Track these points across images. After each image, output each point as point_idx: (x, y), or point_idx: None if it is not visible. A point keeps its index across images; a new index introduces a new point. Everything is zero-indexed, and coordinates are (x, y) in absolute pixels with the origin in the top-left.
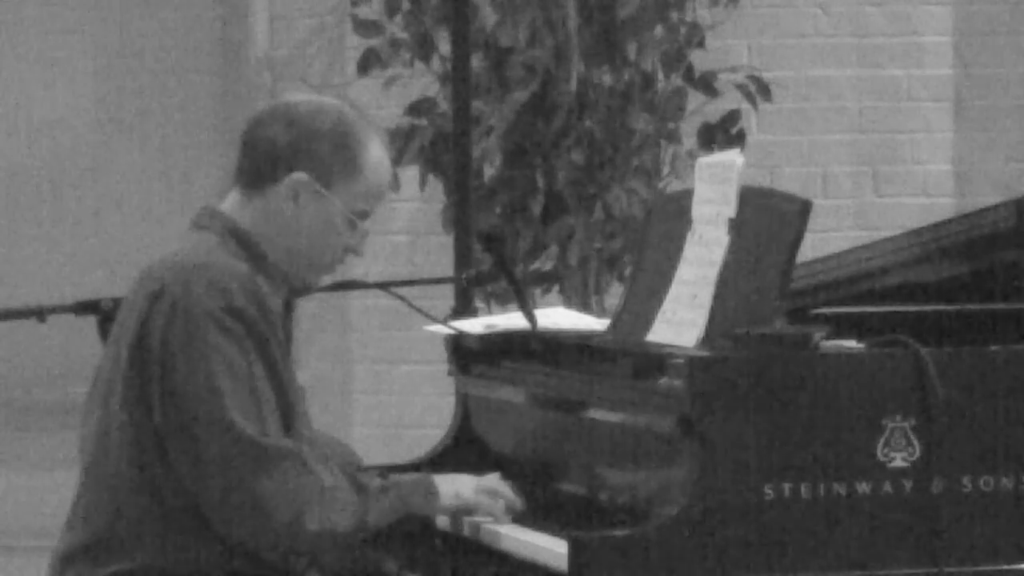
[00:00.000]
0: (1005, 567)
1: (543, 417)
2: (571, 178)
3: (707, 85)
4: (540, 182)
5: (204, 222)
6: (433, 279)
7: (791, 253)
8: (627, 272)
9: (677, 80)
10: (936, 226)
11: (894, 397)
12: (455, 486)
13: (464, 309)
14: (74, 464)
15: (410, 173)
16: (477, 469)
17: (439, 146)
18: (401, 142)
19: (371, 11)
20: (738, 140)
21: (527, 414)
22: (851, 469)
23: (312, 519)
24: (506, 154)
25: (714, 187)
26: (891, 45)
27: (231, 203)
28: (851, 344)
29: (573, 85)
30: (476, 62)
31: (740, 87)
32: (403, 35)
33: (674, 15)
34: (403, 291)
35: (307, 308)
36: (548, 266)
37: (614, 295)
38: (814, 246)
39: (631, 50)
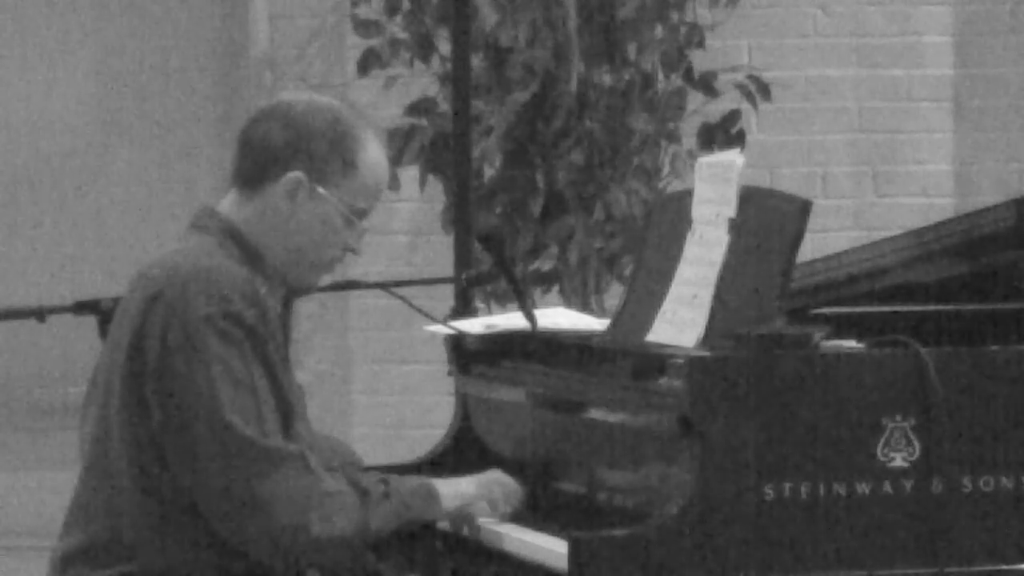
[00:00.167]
0: (1005, 567)
1: (543, 417)
2: (571, 178)
3: (707, 85)
4: (540, 182)
5: (202, 223)
6: (433, 279)
7: (791, 253)
8: (627, 272)
9: (677, 80)
10: (936, 226)
11: (894, 397)
12: (456, 487)
13: (464, 309)
14: (74, 464)
15: (410, 173)
16: (477, 469)
17: (439, 146)
18: (401, 142)
19: (371, 11)
20: (738, 140)
21: (527, 414)
22: (851, 469)
23: (315, 522)
24: (506, 154)
25: (714, 187)
26: (891, 45)
27: (229, 204)
28: (851, 344)
29: (573, 85)
30: (476, 62)
31: (740, 87)
32: (403, 35)
33: (674, 15)
34: (403, 291)
35: (307, 308)
36: (548, 266)
37: (614, 295)
38: (814, 246)
39: (631, 50)
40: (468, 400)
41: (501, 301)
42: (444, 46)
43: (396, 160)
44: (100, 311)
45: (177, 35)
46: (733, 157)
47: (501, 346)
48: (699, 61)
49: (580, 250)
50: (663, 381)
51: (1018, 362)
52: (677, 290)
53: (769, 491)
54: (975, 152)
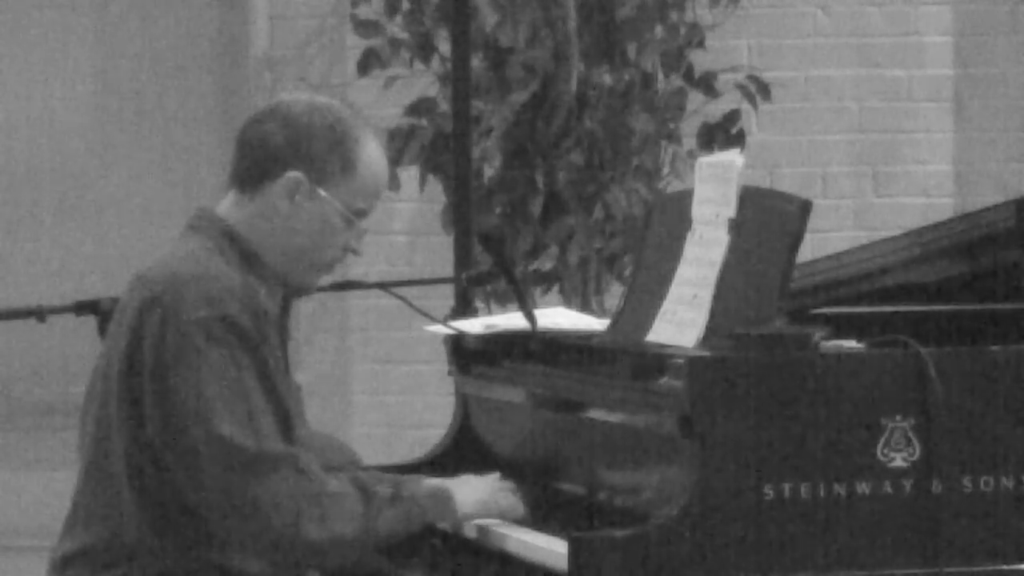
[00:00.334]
0: (1005, 567)
1: (543, 417)
2: (571, 178)
3: (707, 85)
4: (540, 182)
5: (199, 224)
6: (433, 279)
7: (791, 253)
8: (627, 272)
9: (677, 80)
10: (936, 226)
11: (894, 397)
12: (472, 492)
13: (464, 309)
14: (74, 464)
15: (410, 173)
16: (477, 469)
17: (439, 146)
18: (401, 142)
19: (371, 11)
20: (738, 140)
21: (527, 414)
22: (851, 469)
23: (311, 524)
24: (506, 154)
25: (714, 187)
26: (891, 45)
27: (227, 205)
28: (851, 344)
29: (573, 85)
30: (476, 62)
31: (740, 87)
32: (403, 35)
33: (674, 15)
34: (403, 291)
35: (307, 308)
36: (548, 266)
37: (614, 295)
38: (814, 246)
39: (631, 50)
40: (468, 400)
41: (501, 301)
42: (444, 46)
43: (396, 160)
44: (100, 311)
45: (177, 35)
46: (733, 157)
47: (501, 346)
48: (699, 61)
49: (580, 250)
50: (663, 381)
51: (1018, 362)
52: (677, 290)
53: (769, 491)
54: (975, 152)
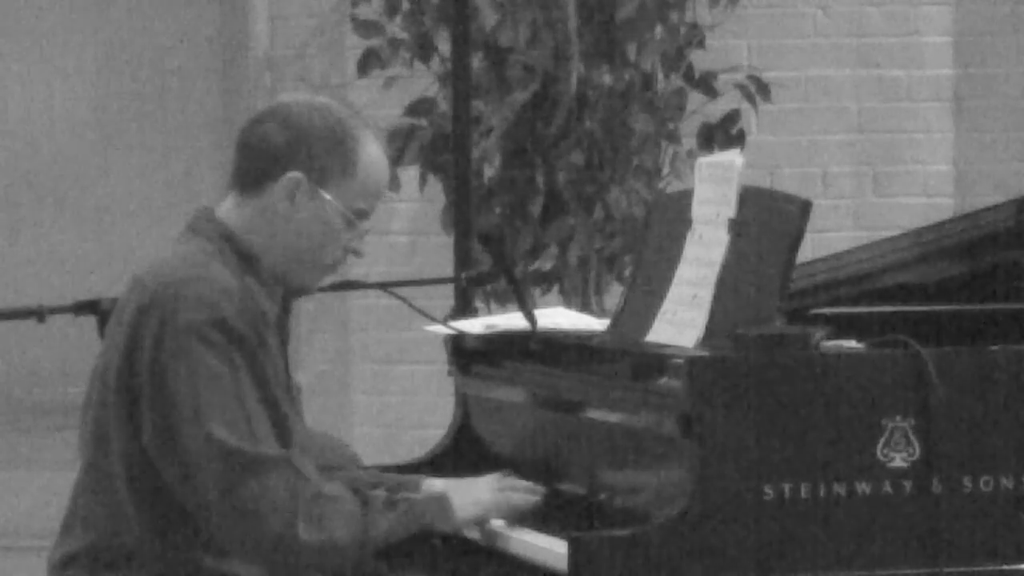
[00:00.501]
0: (1005, 567)
1: (543, 417)
2: (571, 178)
3: (707, 85)
4: (540, 182)
5: (198, 226)
6: (433, 279)
7: (791, 253)
8: (627, 272)
9: (677, 80)
10: (936, 226)
11: (894, 397)
12: (471, 494)
13: (464, 309)
14: (74, 464)
15: (410, 173)
16: (477, 469)
17: (439, 146)
18: (401, 142)
19: (371, 11)
20: (738, 140)
21: (527, 414)
22: (851, 469)
23: (307, 526)
24: (506, 154)
25: (714, 187)
26: (891, 45)
27: (227, 206)
28: (851, 344)
29: (573, 85)
30: (476, 62)
31: (740, 87)
32: (403, 35)
33: (674, 15)
34: (403, 291)
35: (307, 308)
36: (548, 266)
37: (614, 295)
38: (814, 246)
39: (631, 50)
40: (468, 400)
41: (501, 301)
42: (444, 46)
43: (396, 160)
44: (100, 311)
45: (177, 35)
46: (733, 157)
47: (501, 346)
48: (699, 61)
49: (580, 250)
50: (663, 381)
51: (1018, 362)
52: (677, 290)
53: (769, 491)
54: (975, 152)
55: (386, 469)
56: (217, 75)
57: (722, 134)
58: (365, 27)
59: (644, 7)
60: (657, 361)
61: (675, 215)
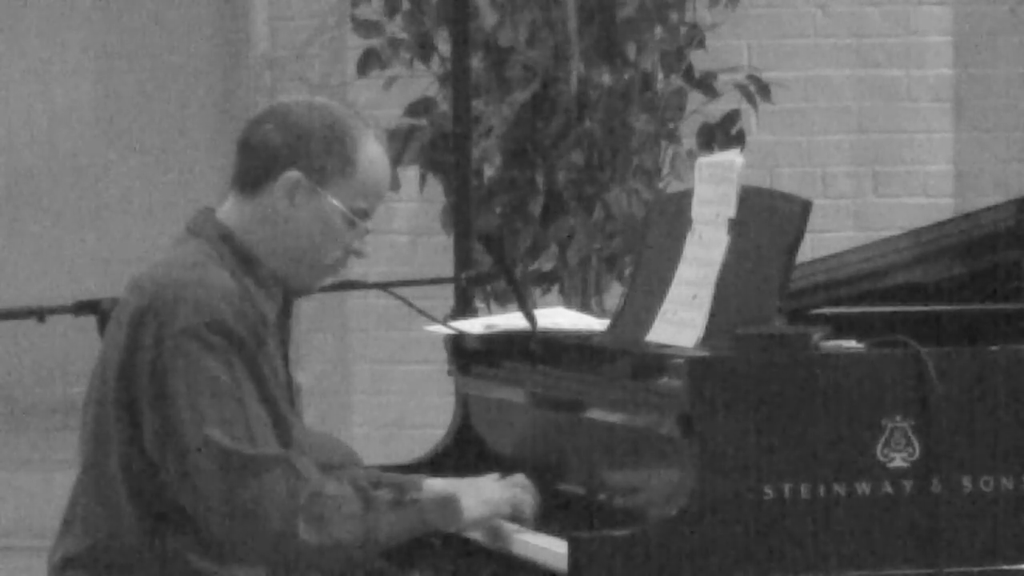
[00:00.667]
0: (1005, 567)
1: (543, 417)
2: (571, 178)
3: (707, 85)
4: (540, 182)
5: (198, 228)
6: (433, 279)
7: (791, 253)
8: (627, 272)
9: (677, 80)
10: (936, 226)
11: (894, 397)
12: (480, 495)
13: (464, 309)
14: (74, 464)
15: (410, 173)
16: (477, 469)
17: (439, 146)
18: (401, 142)
19: (371, 11)
20: (738, 140)
21: (527, 414)
22: (851, 469)
23: (307, 526)
24: (506, 154)
25: (714, 187)
26: (891, 45)
27: (228, 208)
28: (851, 344)
29: (573, 85)
30: (476, 62)
31: (740, 87)
32: (403, 35)
33: (674, 15)
34: (403, 291)
35: (307, 308)
36: (548, 266)
37: (614, 295)
38: (814, 246)
39: (631, 50)
40: (468, 400)
41: (501, 301)
42: (444, 46)
43: (396, 160)
44: (100, 311)
45: (177, 35)
46: (733, 157)
47: (501, 346)
48: (699, 61)
49: (580, 250)
50: (663, 381)
51: (1018, 362)
52: (677, 290)
53: (769, 491)
54: (975, 152)
55: (386, 469)
56: (217, 75)
57: (722, 134)
58: (365, 27)
59: (644, 7)
60: (657, 361)
61: (675, 215)
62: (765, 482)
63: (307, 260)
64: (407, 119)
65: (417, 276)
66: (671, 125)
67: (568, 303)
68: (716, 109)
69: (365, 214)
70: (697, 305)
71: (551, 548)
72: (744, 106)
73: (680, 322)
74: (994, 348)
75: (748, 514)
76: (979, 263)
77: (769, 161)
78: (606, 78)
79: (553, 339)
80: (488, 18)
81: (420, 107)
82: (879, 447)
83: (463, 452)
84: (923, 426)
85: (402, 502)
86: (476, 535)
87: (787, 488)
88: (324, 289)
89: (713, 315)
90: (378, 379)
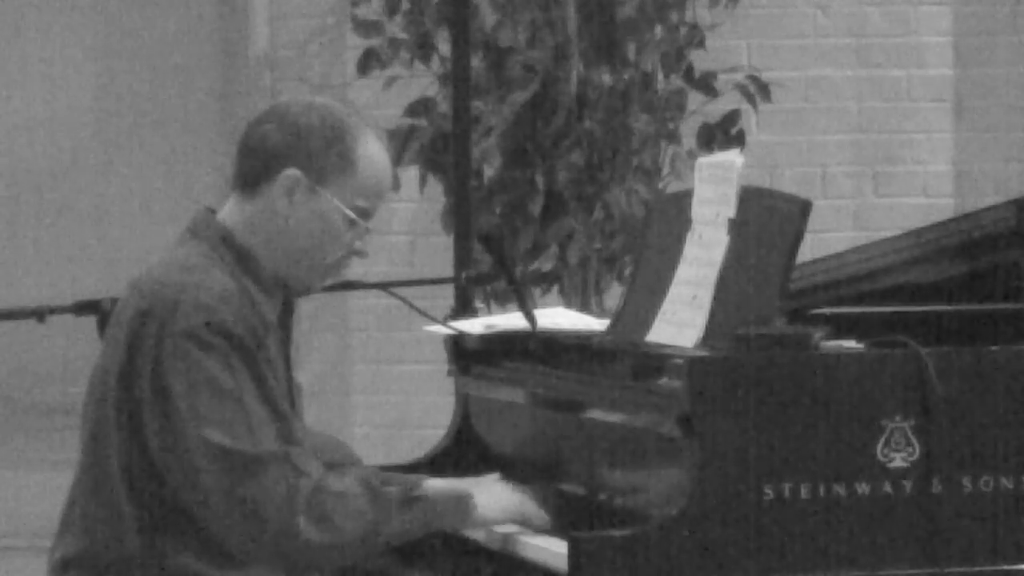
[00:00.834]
0: (1005, 567)
1: (543, 417)
2: (571, 178)
3: (707, 85)
4: (540, 182)
5: (198, 229)
6: (433, 279)
7: (791, 253)
8: (627, 272)
9: (677, 80)
10: (936, 226)
11: (894, 397)
12: (494, 496)
13: (464, 309)
14: (74, 464)
15: (410, 173)
16: (477, 469)
17: (439, 146)
18: (401, 142)
19: (371, 11)
20: (738, 140)
21: (527, 414)
22: (851, 469)
23: (308, 522)
24: (506, 154)
25: (714, 187)
26: (891, 45)
27: (228, 209)
28: (851, 344)
29: (573, 85)
30: (476, 62)
31: (740, 87)
32: (403, 35)
33: (674, 15)
34: (403, 291)
35: (307, 308)
36: (548, 266)
37: (614, 295)
38: (814, 246)
39: (631, 50)
40: (468, 400)
41: (501, 301)
42: (444, 46)
43: (396, 160)
44: (100, 311)
45: (177, 35)
46: (733, 157)
47: (501, 346)
48: (699, 61)
49: (580, 250)
50: (663, 381)
51: (1018, 362)
52: (677, 290)
53: (769, 491)
54: (975, 152)
55: (386, 469)
56: (217, 75)
57: (722, 134)
58: (365, 27)
59: (644, 7)
60: (657, 361)
61: (675, 215)
62: (765, 482)
63: (307, 260)
64: (407, 119)
65: (417, 276)
66: (671, 125)
67: (568, 303)
68: (716, 109)
69: (366, 213)
70: (697, 305)
71: (551, 548)
72: (744, 106)
73: (680, 322)
74: (994, 348)
75: (748, 514)
76: (979, 263)
77: (769, 161)
78: (606, 78)
79: (553, 339)
80: (488, 18)
81: (420, 107)
82: (879, 447)
83: (463, 452)
84: (923, 426)
85: (410, 499)
86: (476, 535)
87: (787, 488)
88: (324, 289)
89: (713, 315)
90: (378, 379)
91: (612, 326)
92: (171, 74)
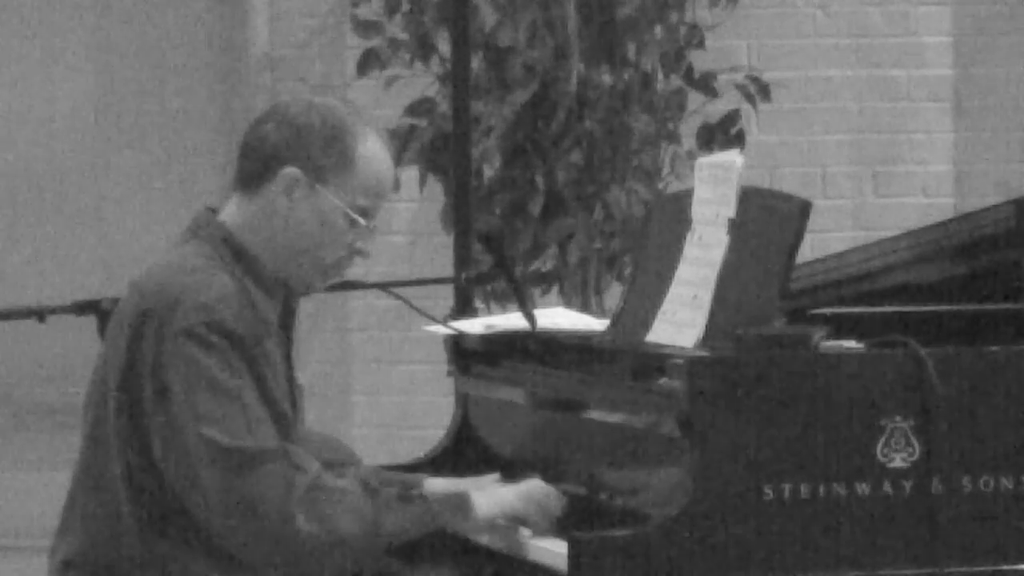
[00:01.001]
0: (1005, 567)
1: (543, 417)
2: (571, 178)
3: (707, 85)
4: (540, 182)
5: (198, 229)
6: (433, 279)
7: (791, 253)
8: (627, 272)
9: (677, 80)
10: (936, 226)
11: (894, 397)
12: (494, 495)
13: (464, 309)
14: (74, 464)
15: (410, 173)
16: (477, 469)
17: (439, 146)
18: (401, 142)
19: (371, 11)
20: (738, 140)
21: (527, 414)
22: (851, 469)
23: (305, 518)
24: (506, 154)
25: (714, 187)
26: (891, 45)
27: (229, 209)
28: (851, 344)
29: (573, 85)
30: (476, 62)
31: (740, 87)
32: (403, 35)
33: (674, 15)
34: (403, 291)
35: (307, 308)
36: (548, 266)
37: (614, 295)
38: (814, 246)
39: (631, 50)
40: (468, 400)
41: (501, 301)
42: (444, 46)
43: (396, 160)
44: (100, 311)
45: (177, 35)
46: (733, 157)
47: (501, 346)
48: (699, 61)
49: (580, 250)
50: (663, 381)
51: (1018, 362)
52: (677, 290)
53: (768, 491)
54: (975, 152)
55: (386, 469)
56: (217, 75)
57: (722, 134)
58: (365, 27)
59: (644, 7)
60: (657, 361)
61: (675, 215)
62: (765, 482)
63: (308, 259)
64: (407, 119)
65: (417, 276)
66: (671, 125)
67: (568, 303)
68: (716, 109)
69: (366, 212)
70: (697, 305)
71: (551, 548)
72: (744, 106)
73: (680, 322)
74: (994, 348)
75: (748, 514)
76: (979, 263)
77: (769, 161)
78: (606, 78)
79: (553, 339)
80: (488, 18)
81: (420, 107)
82: (879, 447)
83: (463, 452)
84: (923, 426)
85: (409, 497)
86: (477, 535)
87: (787, 488)
88: (324, 289)
89: (713, 315)
90: (378, 379)
91: (612, 326)
92: (171, 74)
